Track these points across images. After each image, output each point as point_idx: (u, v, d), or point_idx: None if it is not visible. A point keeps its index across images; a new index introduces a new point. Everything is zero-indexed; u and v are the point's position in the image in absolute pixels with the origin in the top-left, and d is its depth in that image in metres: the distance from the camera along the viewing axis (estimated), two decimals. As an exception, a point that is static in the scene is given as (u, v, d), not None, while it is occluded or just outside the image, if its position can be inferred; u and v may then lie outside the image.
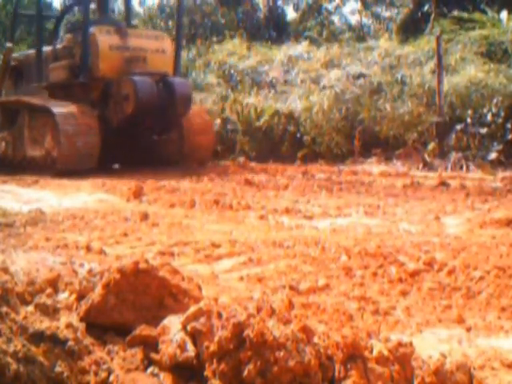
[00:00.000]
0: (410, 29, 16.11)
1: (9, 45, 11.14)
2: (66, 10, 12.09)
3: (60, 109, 9.21)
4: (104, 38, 9.64)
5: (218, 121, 12.24)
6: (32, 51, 11.29)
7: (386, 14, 25.07)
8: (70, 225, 4.71)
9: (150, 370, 1.76)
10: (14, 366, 1.48)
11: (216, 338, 1.65)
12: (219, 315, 1.74)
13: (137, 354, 1.81)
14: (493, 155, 9.43)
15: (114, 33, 9.77)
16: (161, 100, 9.37)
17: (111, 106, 9.58)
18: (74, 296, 2.13)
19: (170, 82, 9.63)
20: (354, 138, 10.94)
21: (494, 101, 10.18)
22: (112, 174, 8.95)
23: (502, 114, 9.89)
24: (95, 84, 9.76)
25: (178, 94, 9.51)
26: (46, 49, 10.65)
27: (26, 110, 10.05)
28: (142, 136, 10.04)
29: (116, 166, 10.52)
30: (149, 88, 9.24)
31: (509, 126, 9.73)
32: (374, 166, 9.91)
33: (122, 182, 7.67)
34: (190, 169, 9.80)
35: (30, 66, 10.82)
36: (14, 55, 11.48)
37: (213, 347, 1.64)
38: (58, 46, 10.37)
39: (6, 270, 2.17)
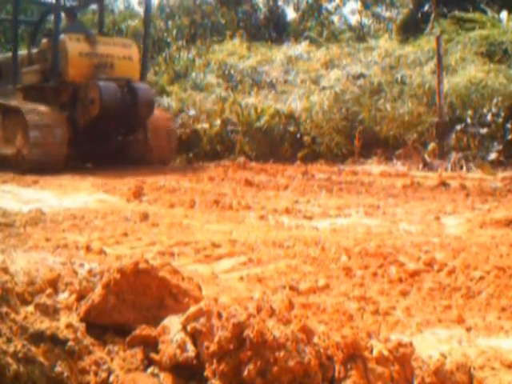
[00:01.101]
0: (410, 29, 16.07)
1: None
2: (42, 17, 12.38)
3: (31, 110, 9.73)
4: (74, 45, 10.14)
5: (218, 121, 12.23)
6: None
7: (386, 14, 25.08)
8: (70, 225, 4.71)
9: (149, 370, 1.76)
10: (14, 366, 1.48)
11: (216, 338, 1.65)
12: (219, 315, 1.74)
13: (137, 354, 1.80)
14: (493, 155, 9.42)
15: (84, 40, 10.28)
16: (125, 104, 9.90)
17: (79, 109, 10.10)
18: (74, 296, 2.12)
19: (134, 87, 10.13)
20: (353, 138, 10.93)
21: (494, 101, 10.18)
22: (111, 174, 8.96)
23: (502, 114, 9.88)
24: (65, 88, 10.30)
25: (140, 98, 10.04)
26: (23, 52, 11.17)
27: (0, 110, 10.52)
28: (109, 137, 10.62)
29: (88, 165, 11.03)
30: (113, 92, 9.79)
31: (509, 125, 9.72)
32: (374, 166, 9.91)
33: (122, 182, 7.68)
34: (189, 168, 9.83)
35: (8, 68, 11.24)
36: None
37: (213, 347, 1.64)
38: (34, 51, 10.83)
39: (5, 270, 2.16)
